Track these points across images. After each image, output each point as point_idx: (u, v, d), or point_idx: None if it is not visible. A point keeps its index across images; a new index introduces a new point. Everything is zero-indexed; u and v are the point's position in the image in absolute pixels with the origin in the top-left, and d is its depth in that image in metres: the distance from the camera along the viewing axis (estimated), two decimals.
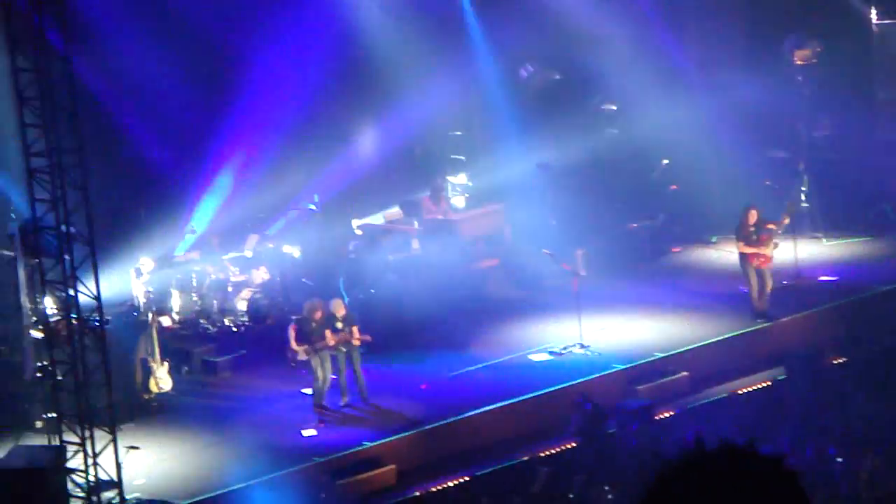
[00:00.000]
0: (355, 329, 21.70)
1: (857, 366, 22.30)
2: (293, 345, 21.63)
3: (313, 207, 27.60)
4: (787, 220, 23.99)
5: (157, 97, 26.12)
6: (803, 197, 28.67)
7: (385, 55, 28.03)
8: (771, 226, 23.62)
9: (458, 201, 28.23)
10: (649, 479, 3.05)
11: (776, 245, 23.76)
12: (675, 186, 29.41)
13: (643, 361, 22.53)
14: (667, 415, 21.19)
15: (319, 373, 21.38)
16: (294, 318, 22.06)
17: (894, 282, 25.30)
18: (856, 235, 28.20)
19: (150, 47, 25.94)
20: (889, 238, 27.97)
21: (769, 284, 23.70)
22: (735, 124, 29.16)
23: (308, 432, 20.77)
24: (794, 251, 25.41)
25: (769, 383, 22.22)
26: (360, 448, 20.11)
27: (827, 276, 25.99)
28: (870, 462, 18.47)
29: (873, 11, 31.29)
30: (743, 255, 23.72)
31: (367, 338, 21.89)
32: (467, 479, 19.67)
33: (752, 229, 23.58)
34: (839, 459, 18.61)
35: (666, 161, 29.47)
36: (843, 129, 30.72)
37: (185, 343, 24.06)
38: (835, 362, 22.63)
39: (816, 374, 22.03)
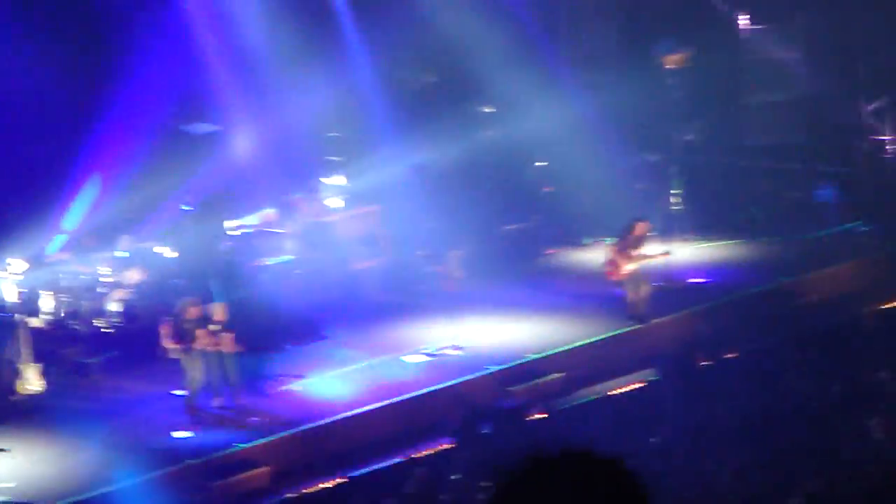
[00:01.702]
0: (228, 336, 21.48)
1: (723, 366, 22.62)
2: (165, 343, 21.44)
3: (187, 208, 27.39)
4: (657, 258, 24.03)
5: (28, 93, 25.72)
6: (674, 200, 29.06)
7: (260, 52, 27.89)
8: (641, 251, 23.65)
9: (334, 202, 28.14)
10: (490, 489, 3.09)
11: (636, 269, 23.72)
12: (549, 188, 29.63)
13: (517, 363, 22.64)
14: (540, 416, 21.32)
15: (192, 373, 21.21)
16: (167, 317, 21.86)
17: (762, 283, 25.74)
18: (725, 238, 28.63)
19: (22, 42, 25.57)
20: (757, 241, 28.43)
21: (643, 289, 23.91)
22: (608, 127, 29.45)
23: (180, 434, 20.60)
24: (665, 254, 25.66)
25: (643, 384, 22.46)
26: (234, 449, 19.99)
27: (697, 278, 26.35)
28: (737, 460, 18.75)
29: (742, 18, 31.80)
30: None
31: (238, 348, 21.60)
32: (342, 480, 19.65)
33: (631, 242, 23.65)
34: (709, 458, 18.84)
35: None
36: (712, 133, 31.20)
37: (54, 344, 23.71)
38: (703, 363, 22.94)
39: (687, 374, 22.31)
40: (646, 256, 23.83)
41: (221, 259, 25.15)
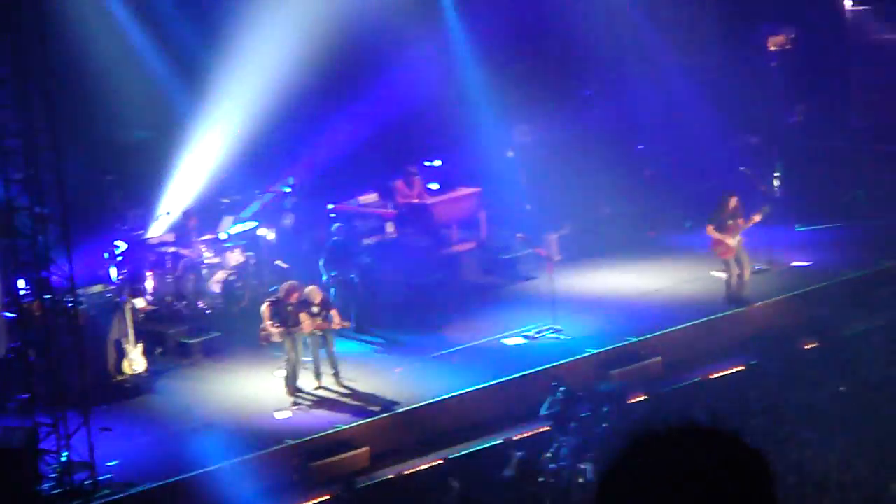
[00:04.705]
0: (335, 313, 21.67)
1: (827, 351, 22.38)
2: (267, 324, 21.59)
3: (289, 190, 27.57)
4: (756, 219, 24.07)
5: (134, 76, 26.02)
6: (776, 183, 28.80)
7: (361, 38, 27.95)
8: (740, 221, 23.75)
9: (433, 185, 28.18)
10: (611, 456, 3.03)
11: (741, 240, 23.84)
12: (650, 171, 29.51)
13: (616, 346, 22.57)
14: (639, 399, 21.24)
15: (292, 354, 21.35)
16: (269, 299, 22.03)
17: (866, 267, 25.43)
18: (828, 221, 28.32)
19: (128, 26, 25.87)
20: (861, 224, 28.08)
21: (747, 271, 23.82)
22: (710, 109, 29.23)
23: (281, 414, 20.78)
24: (766, 237, 25.48)
25: (742, 368, 22.29)
26: (334, 430, 20.13)
27: (799, 261, 26.11)
28: (840, 446, 18.57)
29: None
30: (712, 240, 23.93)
31: (346, 324, 21.83)
32: (440, 461, 19.71)
33: (727, 217, 23.72)
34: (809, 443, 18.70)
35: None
36: (816, 115, 30.83)
37: (158, 325, 24.02)
38: (806, 347, 22.73)
39: (788, 358, 22.12)
40: (746, 222, 23.77)
41: (330, 240, 25.28)
